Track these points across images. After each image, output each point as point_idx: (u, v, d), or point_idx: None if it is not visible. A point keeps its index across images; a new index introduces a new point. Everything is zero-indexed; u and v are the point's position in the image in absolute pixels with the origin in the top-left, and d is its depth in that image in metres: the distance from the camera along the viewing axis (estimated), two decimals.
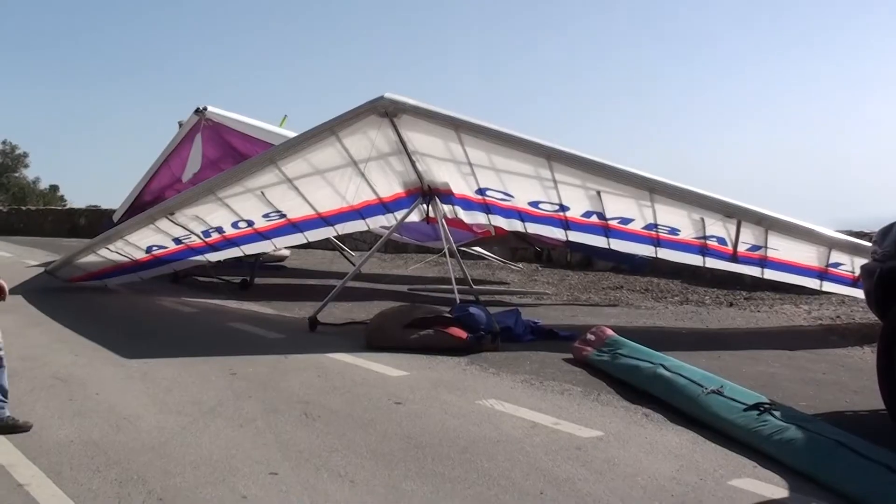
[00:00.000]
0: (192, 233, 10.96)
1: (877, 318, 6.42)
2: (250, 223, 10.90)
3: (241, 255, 12.08)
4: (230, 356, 7.62)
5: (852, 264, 9.01)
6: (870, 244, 8.67)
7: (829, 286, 9.78)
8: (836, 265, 9.23)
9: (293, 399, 6.17)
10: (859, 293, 9.33)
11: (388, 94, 8.67)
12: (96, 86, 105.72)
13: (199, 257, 11.95)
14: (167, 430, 5.36)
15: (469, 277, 11.59)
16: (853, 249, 8.82)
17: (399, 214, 10.76)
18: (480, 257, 16.85)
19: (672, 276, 13.79)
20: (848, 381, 6.99)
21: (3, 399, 5.38)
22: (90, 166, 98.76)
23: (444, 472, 4.59)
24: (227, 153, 13.73)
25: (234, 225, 10.91)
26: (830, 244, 8.94)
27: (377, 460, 4.77)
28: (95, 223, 22.43)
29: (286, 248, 14.25)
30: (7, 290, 5.60)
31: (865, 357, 7.88)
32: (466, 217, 10.92)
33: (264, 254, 13.24)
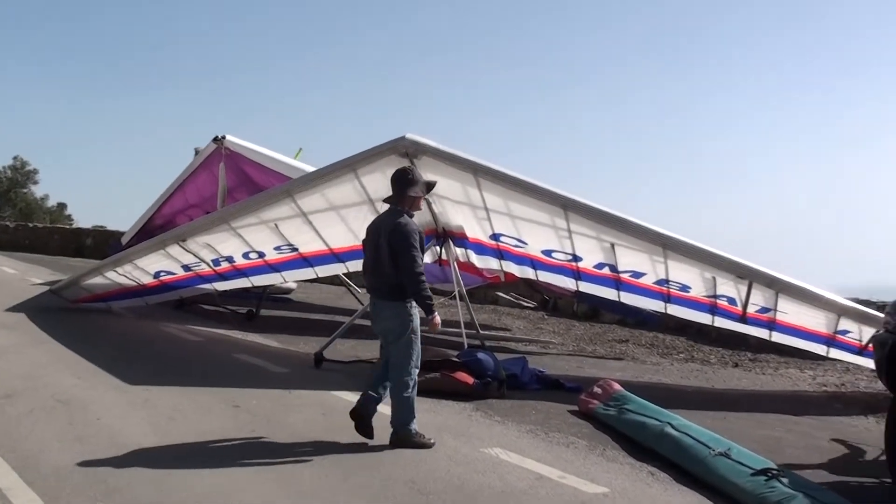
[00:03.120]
0: (203, 261, 10.96)
1: (883, 388, 6.38)
2: (261, 255, 10.90)
3: (250, 285, 12.06)
4: (233, 388, 7.59)
5: (860, 332, 8.96)
6: (876, 312, 8.69)
7: (835, 353, 9.68)
8: (844, 332, 9.16)
9: (296, 436, 6.13)
10: (865, 361, 9.32)
11: (409, 135, 8.69)
12: (111, 106, 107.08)
13: (206, 285, 11.93)
14: (168, 461, 5.33)
15: (476, 322, 11.55)
16: (862, 318, 8.77)
17: None
18: (489, 301, 16.85)
19: (677, 333, 13.72)
20: (853, 450, 6.92)
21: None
22: (98, 186, 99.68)
23: None
24: (242, 182, 13.76)
25: (245, 255, 10.91)
26: (840, 311, 8.88)
27: None
28: (102, 244, 22.40)
29: (294, 281, 14.21)
30: None
31: (870, 427, 7.80)
32: (479, 262, 10.92)
33: (271, 285, 13.23)
